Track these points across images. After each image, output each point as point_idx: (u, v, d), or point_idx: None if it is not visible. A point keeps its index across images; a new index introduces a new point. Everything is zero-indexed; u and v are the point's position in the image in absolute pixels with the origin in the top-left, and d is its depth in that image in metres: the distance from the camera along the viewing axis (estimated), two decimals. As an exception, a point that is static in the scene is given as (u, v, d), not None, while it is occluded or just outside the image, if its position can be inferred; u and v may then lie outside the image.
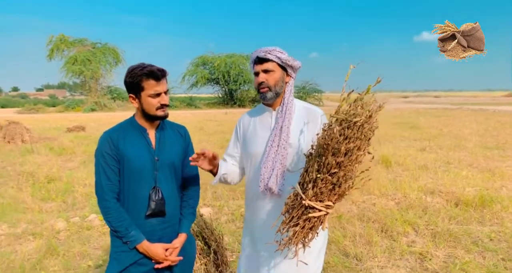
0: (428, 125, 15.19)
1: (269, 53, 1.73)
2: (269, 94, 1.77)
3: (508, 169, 6.82)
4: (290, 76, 1.81)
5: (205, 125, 16.28)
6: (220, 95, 41.16)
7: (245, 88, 39.40)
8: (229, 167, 1.90)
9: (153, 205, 1.70)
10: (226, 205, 4.97)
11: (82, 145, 10.28)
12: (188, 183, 1.91)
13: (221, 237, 2.90)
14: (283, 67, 1.78)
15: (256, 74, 1.79)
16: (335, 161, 1.35)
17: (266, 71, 1.76)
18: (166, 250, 1.74)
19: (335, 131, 1.37)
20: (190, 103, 38.55)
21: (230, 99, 39.77)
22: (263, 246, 1.79)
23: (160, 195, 1.72)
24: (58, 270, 3.23)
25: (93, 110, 31.96)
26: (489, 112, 23.71)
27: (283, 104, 1.80)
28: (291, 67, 1.78)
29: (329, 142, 1.37)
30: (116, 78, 37.11)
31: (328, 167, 1.36)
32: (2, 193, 5.55)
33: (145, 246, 1.68)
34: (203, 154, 1.67)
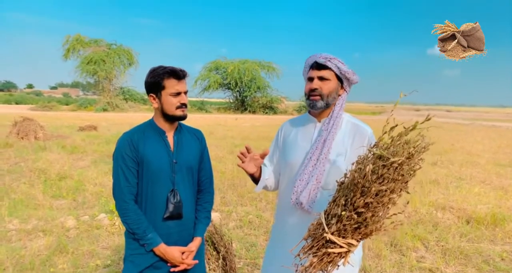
0: (440, 139, 15.02)
1: (329, 60, 1.64)
2: (320, 103, 1.67)
3: (521, 188, 6.71)
4: (345, 90, 1.72)
5: (215, 130, 16.35)
6: (231, 101, 41.34)
7: (258, 94, 39.54)
8: (269, 172, 1.87)
9: (171, 207, 1.71)
10: (235, 211, 4.97)
11: (93, 144, 10.40)
12: (203, 186, 1.93)
13: (230, 243, 2.90)
14: (340, 79, 1.68)
15: (310, 79, 1.69)
16: (363, 201, 1.21)
17: (322, 79, 1.66)
18: (183, 253, 1.75)
19: (367, 169, 1.22)
20: (201, 107, 38.80)
21: (241, 105, 39.91)
22: (284, 260, 1.66)
23: (179, 198, 1.73)
24: (67, 267, 3.25)
25: (105, 110, 32.34)
26: (502, 129, 23.38)
27: (331, 117, 1.69)
28: (348, 80, 1.69)
29: (359, 180, 1.23)
30: (130, 79, 37.61)
31: (355, 205, 1.24)
32: (15, 189, 5.63)
33: (162, 249, 1.69)
34: (248, 151, 1.65)
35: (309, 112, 1.80)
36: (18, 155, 8.34)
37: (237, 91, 39.62)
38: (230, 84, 38.52)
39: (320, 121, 1.75)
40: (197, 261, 1.79)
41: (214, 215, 4.68)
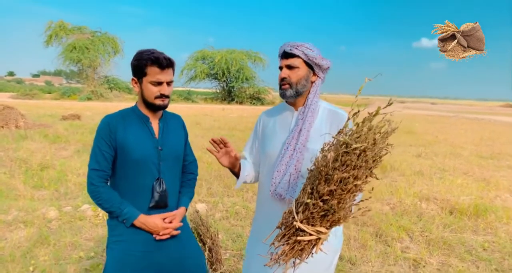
0: (424, 131, 15.24)
1: (296, 48, 1.62)
2: (289, 92, 1.66)
3: (503, 179, 6.85)
4: (317, 76, 1.68)
5: (202, 120, 16.21)
6: (218, 91, 41.01)
7: (245, 85, 39.28)
8: (249, 167, 1.85)
9: (157, 196, 1.66)
10: (221, 202, 4.94)
11: (77, 134, 10.17)
12: (187, 168, 1.90)
13: (216, 235, 2.86)
14: (310, 65, 1.65)
15: (281, 69, 1.69)
16: (327, 188, 1.21)
17: (290, 67, 1.64)
18: (164, 219, 1.69)
19: (328, 157, 1.22)
20: (187, 97, 38.40)
21: (228, 95, 39.65)
22: (264, 251, 1.73)
23: (164, 187, 1.68)
24: (49, 259, 3.18)
25: (89, 99, 31.72)
26: (485, 122, 23.87)
27: (306, 105, 1.67)
28: (318, 66, 1.65)
29: (322, 168, 1.23)
30: (114, 68, 36.87)
31: (320, 193, 1.23)
32: (-6, 179, 5.47)
33: (142, 219, 1.63)
34: (225, 143, 1.66)
35: (286, 101, 1.79)
36: (-2, 144, 8.11)
37: (224, 81, 39.29)
38: (217, 74, 38.13)
39: (297, 110, 1.74)
40: (182, 224, 1.73)
41: (200, 206, 4.64)
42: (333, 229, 1.33)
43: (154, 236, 1.66)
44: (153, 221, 1.64)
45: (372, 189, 1.37)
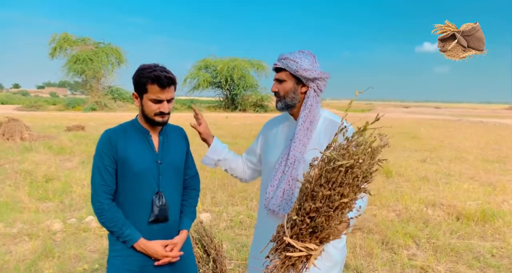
0: (429, 136, 15.16)
1: (282, 60, 1.62)
2: (279, 105, 1.68)
3: (510, 183, 6.78)
4: (308, 86, 1.64)
5: (205, 129, 16.21)
6: (222, 99, 41.15)
7: (248, 92, 39.40)
8: (232, 159, 1.88)
9: (156, 210, 1.65)
10: (225, 211, 4.92)
11: (81, 145, 10.22)
12: (189, 183, 1.88)
13: (220, 245, 2.84)
14: (297, 77, 1.63)
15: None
16: (313, 205, 1.18)
17: (279, 81, 1.66)
18: (166, 246, 1.68)
19: (312, 174, 1.20)
20: (191, 106, 38.52)
21: (231, 103, 39.75)
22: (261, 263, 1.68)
23: (164, 201, 1.67)
24: (53, 272, 3.17)
25: (93, 109, 31.90)
26: (490, 125, 23.71)
27: (299, 118, 1.65)
28: (304, 77, 1.61)
29: (307, 185, 1.21)
30: (118, 78, 37.12)
31: (306, 210, 1.21)
32: (-1, 191, 5.49)
33: (142, 244, 1.62)
34: (196, 114, 1.87)
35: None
36: (3, 157, 8.15)
37: (227, 89, 39.44)
38: (220, 82, 38.27)
39: (296, 120, 1.73)
40: (182, 253, 1.72)
41: (205, 216, 4.62)
42: (334, 241, 1.31)
43: (152, 259, 1.66)
44: (154, 248, 1.63)
45: (360, 207, 1.34)
